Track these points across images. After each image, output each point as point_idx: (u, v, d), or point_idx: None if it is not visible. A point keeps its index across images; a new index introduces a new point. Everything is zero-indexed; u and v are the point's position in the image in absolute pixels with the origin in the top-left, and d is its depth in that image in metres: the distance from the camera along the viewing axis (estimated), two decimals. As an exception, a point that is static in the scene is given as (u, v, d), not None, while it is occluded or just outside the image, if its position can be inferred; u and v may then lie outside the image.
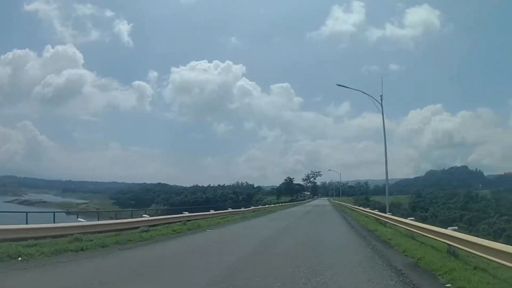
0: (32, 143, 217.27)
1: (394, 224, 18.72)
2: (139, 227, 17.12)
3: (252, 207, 43.98)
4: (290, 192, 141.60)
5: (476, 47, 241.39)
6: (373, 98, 24.97)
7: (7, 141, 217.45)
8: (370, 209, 34.09)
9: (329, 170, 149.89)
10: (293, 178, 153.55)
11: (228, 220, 27.30)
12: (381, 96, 25.19)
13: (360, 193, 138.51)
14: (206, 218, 26.03)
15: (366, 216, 28.86)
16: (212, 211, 28.82)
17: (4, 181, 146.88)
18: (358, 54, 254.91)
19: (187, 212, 23.80)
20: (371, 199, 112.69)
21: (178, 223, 21.01)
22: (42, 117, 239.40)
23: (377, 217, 24.01)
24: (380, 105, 24.87)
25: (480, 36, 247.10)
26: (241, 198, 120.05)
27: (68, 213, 33.29)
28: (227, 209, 33.64)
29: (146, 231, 16.54)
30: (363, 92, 25.88)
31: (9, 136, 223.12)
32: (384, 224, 21.23)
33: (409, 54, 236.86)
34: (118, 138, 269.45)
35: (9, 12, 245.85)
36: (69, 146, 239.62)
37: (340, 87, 28.31)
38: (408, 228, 15.50)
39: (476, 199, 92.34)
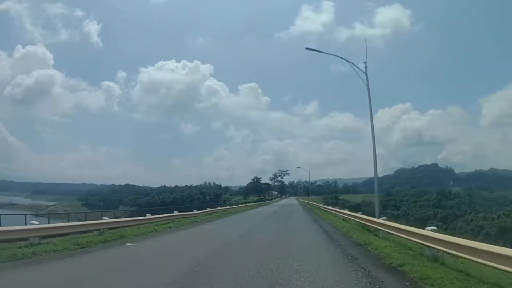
0: (2, 144, 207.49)
1: (390, 233, 12.76)
2: (28, 238, 12.11)
3: (208, 209, 37.37)
4: (257, 191, 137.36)
5: (446, 46, 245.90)
6: (354, 65, 19.01)
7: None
8: (348, 210, 28.13)
9: (298, 167, 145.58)
10: (261, 178, 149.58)
11: (170, 227, 21.07)
12: (365, 63, 19.25)
13: (329, 192, 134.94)
14: (140, 224, 20.16)
15: (344, 220, 22.83)
16: (148, 215, 22.59)
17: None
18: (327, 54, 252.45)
19: (107, 218, 19.07)
20: (340, 197, 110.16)
21: (95, 232, 15.33)
22: (12, 118, 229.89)
23: (362, 221, 17.93)
24: (364, 74, 18.92)
25: (450, 35, 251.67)
26: (208, 199, 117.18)
27: (37, 215, 29.73)
28: (172, 212, 27.06)
29: (30, 245, 11.45)
30: (341, 58, 19.94)
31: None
32: (374, 232, 15.16)
33: (378, 53, 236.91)
34: (87, 139, 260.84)
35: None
36: (39, 147, 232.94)
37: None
38: (424, 242, 9.40)
39: (449, 196, 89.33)
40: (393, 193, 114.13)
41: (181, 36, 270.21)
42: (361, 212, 20.80)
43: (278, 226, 22.43)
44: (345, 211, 25.94)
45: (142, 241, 14.85)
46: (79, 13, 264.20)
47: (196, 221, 26.34)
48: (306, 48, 21.75)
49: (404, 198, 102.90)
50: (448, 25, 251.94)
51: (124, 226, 18.35)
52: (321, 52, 21.38)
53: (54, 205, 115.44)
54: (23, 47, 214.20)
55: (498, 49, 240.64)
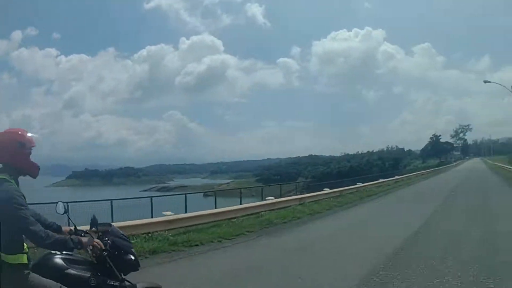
0: (181, 131, 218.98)
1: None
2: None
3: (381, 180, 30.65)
4: (437, 153, 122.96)
5: None
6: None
7: (155, 132, 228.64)
8: None
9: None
10: (440, 136, 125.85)
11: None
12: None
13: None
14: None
15: None
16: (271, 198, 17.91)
17: (148, 170, 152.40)
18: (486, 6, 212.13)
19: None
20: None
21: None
22: (188, 105, 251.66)
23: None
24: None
25: None
26: (387, 165, 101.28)
27: (205, 195, 29.40)
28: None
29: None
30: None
31: (157, 127, 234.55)
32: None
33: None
34: (271, 116, 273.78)
35: (131, 12, 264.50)
36: (220, 129, 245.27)
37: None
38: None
39: None
40: None
41: (346, 3, 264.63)
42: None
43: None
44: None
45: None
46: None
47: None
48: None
49: None
50: None
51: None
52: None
53: (227, 183, 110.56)
54: (187, 38, 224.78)
55: None
